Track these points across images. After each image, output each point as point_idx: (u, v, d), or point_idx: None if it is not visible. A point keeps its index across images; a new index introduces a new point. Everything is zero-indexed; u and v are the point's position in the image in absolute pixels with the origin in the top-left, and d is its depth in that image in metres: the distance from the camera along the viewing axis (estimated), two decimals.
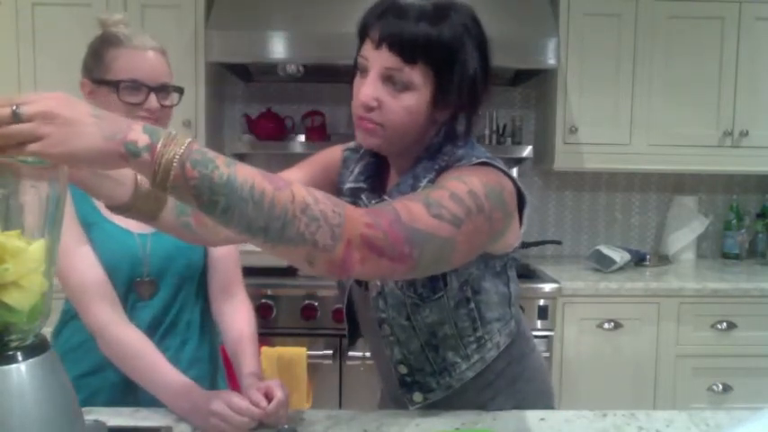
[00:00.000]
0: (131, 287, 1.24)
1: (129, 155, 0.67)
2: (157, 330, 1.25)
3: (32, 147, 0.64)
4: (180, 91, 1.27)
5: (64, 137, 0.65)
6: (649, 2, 2.55)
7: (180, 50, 2.45)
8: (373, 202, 1.04)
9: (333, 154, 1.16)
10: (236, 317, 1.32)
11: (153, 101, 1.20)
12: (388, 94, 0.93)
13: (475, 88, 0.95)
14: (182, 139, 0.68)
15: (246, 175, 0.70)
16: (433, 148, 1.00)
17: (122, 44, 1.20)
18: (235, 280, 1.37)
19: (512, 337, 1.11)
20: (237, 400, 1.03)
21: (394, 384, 1.12)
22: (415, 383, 1.09)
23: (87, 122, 0.66)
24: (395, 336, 1.06)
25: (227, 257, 1.37)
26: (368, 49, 0.93)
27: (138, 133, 0.67)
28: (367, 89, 0.92)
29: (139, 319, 1.22)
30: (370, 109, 0.93)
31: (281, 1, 2.43)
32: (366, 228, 0.75)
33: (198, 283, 1.33)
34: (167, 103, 1.24)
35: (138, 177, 0.92)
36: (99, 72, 1.21)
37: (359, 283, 1.11)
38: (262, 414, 1.03)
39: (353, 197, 1.07)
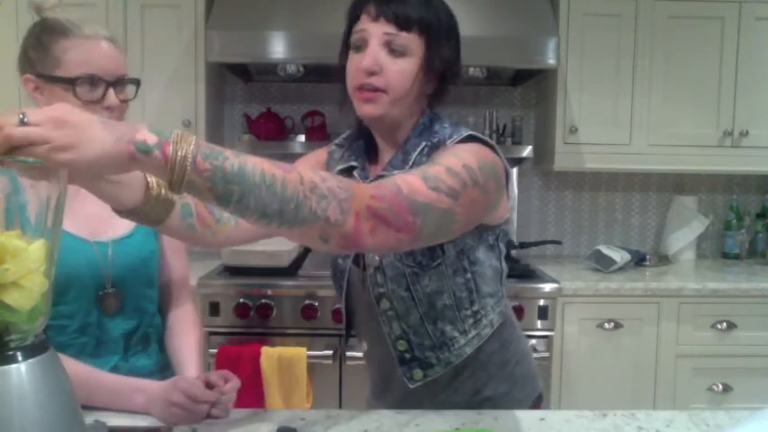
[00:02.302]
0: (95, 302, 1.15)
1: (139, 154, 0.68)
2: (131, 344, 1.21)
3: (40, 150, 0.64)
4: (136, 83, 1.16)
5: (73, 142, 0.65)
6: (649, 2, 2.55)
7: (180, 50, 2.44)
8: (367, 180, 1.08)
9: (319, 154, 1.22)
10: (183, 324, 1.29)
11: (112, 97, 1.10)
12: (387, 60, 1.01)
13: (456, 60, 1.07)
14: (188, 136, 0.70)
15: (255, 162, 0.73)
16: (420, 129, 1.07)
17: (72, 34, 1.08)
18: (184, 286, 1.34)
19: (503, 318, 1.16)
20: (195, 389, 1.02)
21: (392, 366, 1.13)
22: (414, 360, 1.11)
23: (95, 127, 0.67)
24: (394, 310, 1.09)
25: (179, 262, 1.33)
26: (365, 23, 1.02)
27: (145, 133, 0.69)
28: (369, 56, 1.00)
29: (110, 336, 1.17)
30: (372, 73, 1.00)
31: (281, 1, 2.43)
32: (372, 200, 0.79)
33: (156, 289, 1.28)
34: (124, 97, 1.13)
35: (149, 182, 0.92)
36: (48, 66, 1.08)
37: (356, 263, 1.14)
38: (217, 396, 1.04)
39: (346, 176, 1.09)
